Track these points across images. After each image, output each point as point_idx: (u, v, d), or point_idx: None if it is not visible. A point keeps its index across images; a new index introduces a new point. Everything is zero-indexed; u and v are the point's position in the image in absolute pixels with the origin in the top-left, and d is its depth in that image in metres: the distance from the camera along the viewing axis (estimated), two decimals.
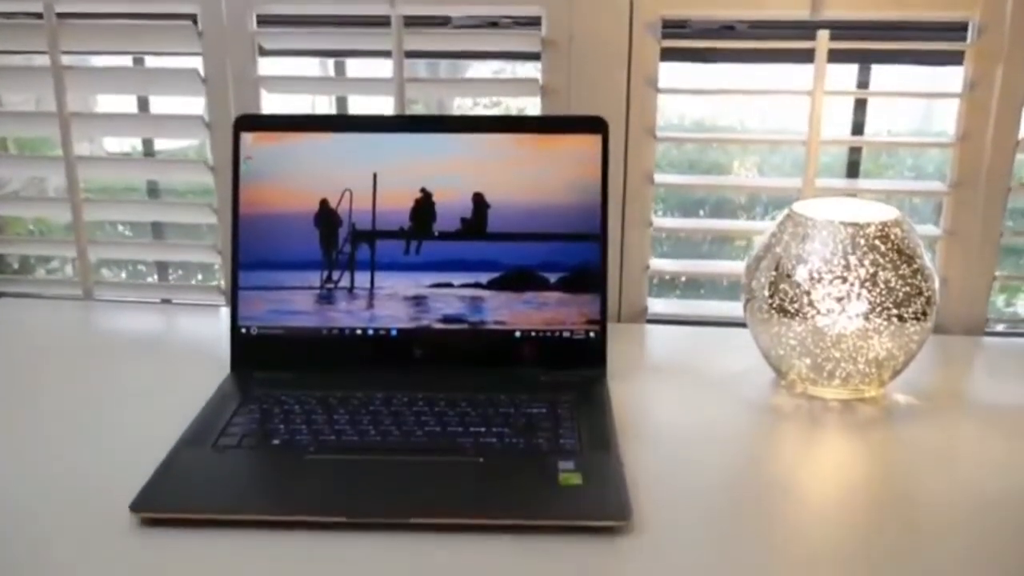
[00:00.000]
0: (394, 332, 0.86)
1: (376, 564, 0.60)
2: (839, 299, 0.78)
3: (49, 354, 0.95)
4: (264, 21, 1.02)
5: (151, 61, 1.17)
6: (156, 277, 1.39)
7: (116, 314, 1.09)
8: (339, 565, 0.60)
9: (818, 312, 0.79)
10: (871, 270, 0.78)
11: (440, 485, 0.68)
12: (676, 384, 0.88)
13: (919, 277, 0.79)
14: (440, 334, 0.86)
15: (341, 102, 1.16)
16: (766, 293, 0.82)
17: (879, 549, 0.62)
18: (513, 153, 0.86)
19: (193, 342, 1.00)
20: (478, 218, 0.86)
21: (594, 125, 0.86)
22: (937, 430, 0.79)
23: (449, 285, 0.86)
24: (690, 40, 1.00)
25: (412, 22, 0.99)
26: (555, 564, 0.60)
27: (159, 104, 1.21)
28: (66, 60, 1.04)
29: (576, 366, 0.86)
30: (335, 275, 0.87)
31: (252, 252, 0.86)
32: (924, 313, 0.80)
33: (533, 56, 1.00)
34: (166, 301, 1.15)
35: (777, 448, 0.76)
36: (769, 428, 0.80)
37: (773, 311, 0.81)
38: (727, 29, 1.01)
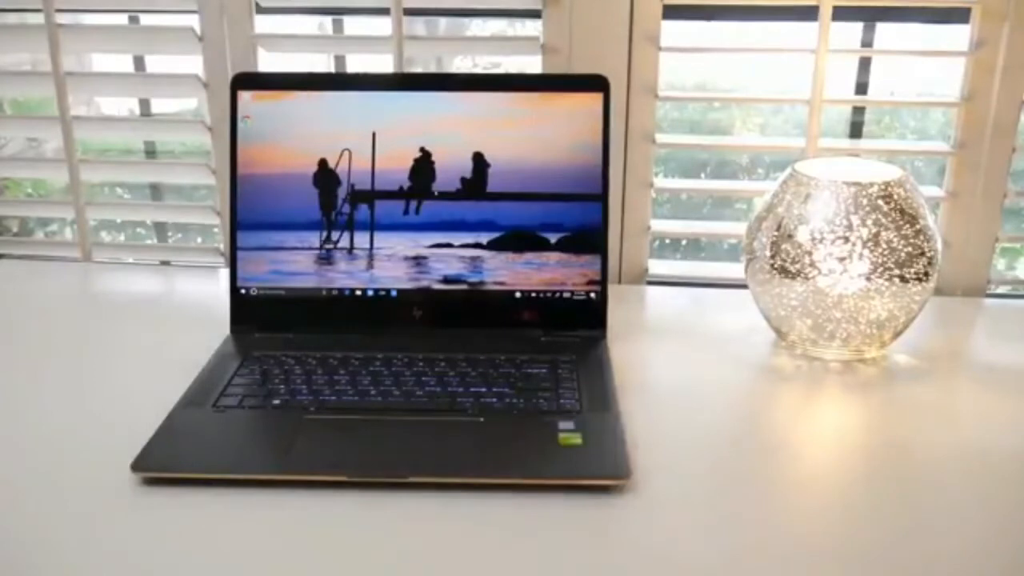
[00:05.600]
0: (394, 293, 0.86)
1: (376, 523, 0.61)
2: (841, 259, 0.78)
3: (49, 316, 0.95)
4: None
5: (146, 20, 1.15)
6: (155, 239, 1.39)
7: (115, 276, 1.09)
8: (340, 524, 0.61)
9: (820, 272, 0.79)
10: (873, 230, 0.78)
11: (440, 445, 0.68)
12: (676, 345, 0.88)
13: (921, 237, 0.79)
14: (440, 294, 0.86)
15: (339, 60, 1.15)
16: (767, 253, 0.81)
17: (878, 507, 0.63)
18: (513, 112, 0.85)
19: (193, 303, 1.00)
20: (478, 178, 0.85)
21: (595, 84, 0.85)
22: (938, 391, 0.79)
23: (449, 245, 0.86)
24: None
25: None
26: (555, 523, 0.61)
27: (155, 64, 1.20)
28: (61, 18, 1.03)
29: (576, 327, 0.86)
30: (334, 235, 0.86)
31: (251, 213, 0.86)
32: (926, 274, 0.80)
33: (534, 14, 0.99)
34: (165, 263, 1.15)
35: (777, 409, 0.77)
36: (769, 389, 0.80)
37: (774, 272, 0.81)
38: None
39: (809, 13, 0.95)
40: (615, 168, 0.97)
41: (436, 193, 0.86)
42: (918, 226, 0.79)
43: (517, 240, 0.86)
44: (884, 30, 1.06)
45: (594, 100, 0.85)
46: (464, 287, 0.86)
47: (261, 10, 1.01)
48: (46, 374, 0.81)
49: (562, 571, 0.57)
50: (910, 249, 0.78)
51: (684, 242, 1.40)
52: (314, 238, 0.86)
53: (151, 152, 1.27)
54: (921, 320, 0.84)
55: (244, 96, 0.86)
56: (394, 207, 0.86)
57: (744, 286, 0.87)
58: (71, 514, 0.61)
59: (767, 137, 1.35)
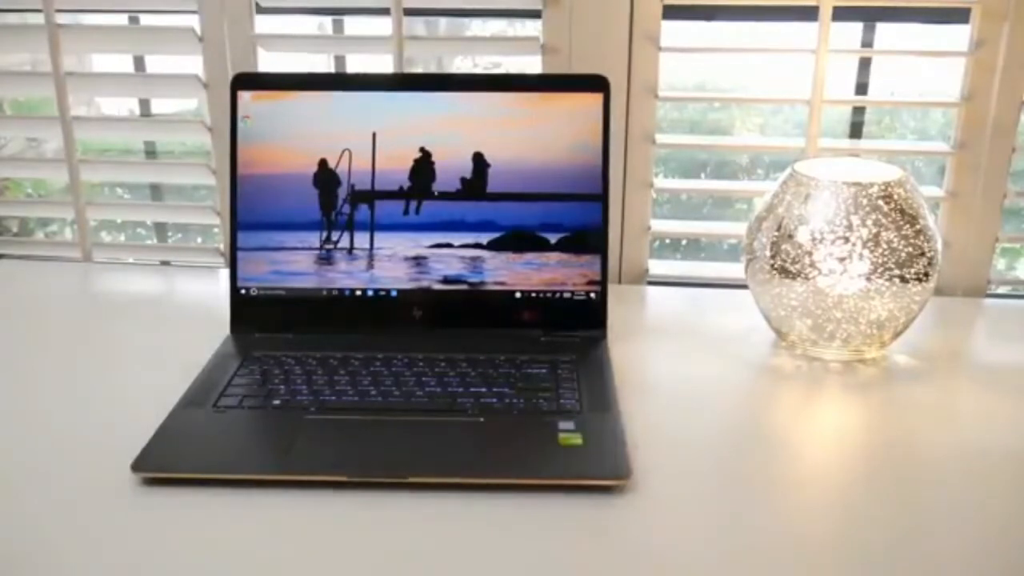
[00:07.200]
0: (394, 293, 0.86)
1: (376, 523, 0.61)
2: (841, 259, 0.78)
3: (49, 316, 0.95)
4: None
5: (146, 20, 1.15)
6: (155, 239, 1.39)
7: (116, 276, 1.09)
8: (340, 524, 0.61)
9: (820, 273, 0.79)
10: (873, 230, 0.78)
11: (440, 445, 0.68)
12: (676, 345, 0.88)
13: (921, 238, 0.79)
14: (440, 295, 0.86)
15: (339, 60, 1.15)
16: (768, 254, 0.81)
17: (878, 507, 0.63)
18: (513, 112, 0.85)
19: (193, 303, 1.00)
20: (478, 178, 0.85)
21: (595, 84, 0.85)
22: (938, 391, 0.79)
23: (449, 246, 0.86)
24: None
25: None
26: (555, 523, 0.61)
27: (155, 64, 1.20)
28: (61, 18, 1.03)
29: (576, 327, 0.86)
30: (335, 236, 0.86)
31: (251, 213, 0.86)
32: (926, 274, 0.80)
33: (534, 14, 0.99)
34: (165, 263, 1.15)
35: (777, 409, 0.77)
36: (769, 389, 0.80)
37: (774, 272, 0.81)
38: None
39: (809, 13, 0.95)
40: (615, 168, 0.97)
41: (436, 193, 0.86)
42: (918, 226, 0.79)
43: (517, 240, 0.86)
44: (884, 30, 1.06)
45: (594, 100, 0.85)
46: (464, 287, 0.86)
47: (261, 10, 1.01)
48: (46, 374, 0.81)
49: (562, 571, 0.57)
50: (910, 249, 0.78)
51: (684, 242, 1.40)
52: (314, 238, 0.86)
53: (151, 152, 1.27)
54: (921, 320, 0.84)
55: (244, 96, 0.86)
56: (394, 207, 0.86)
57: (744, 286, 0.87)
58: (71, 514, 0.61)
59: (767, 137, 1.35)
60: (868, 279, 0.78)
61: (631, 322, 0.93)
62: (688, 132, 1.43)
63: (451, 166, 0.85)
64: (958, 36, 0.97)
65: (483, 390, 0.75)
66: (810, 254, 0.79)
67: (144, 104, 1.27)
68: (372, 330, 0.85)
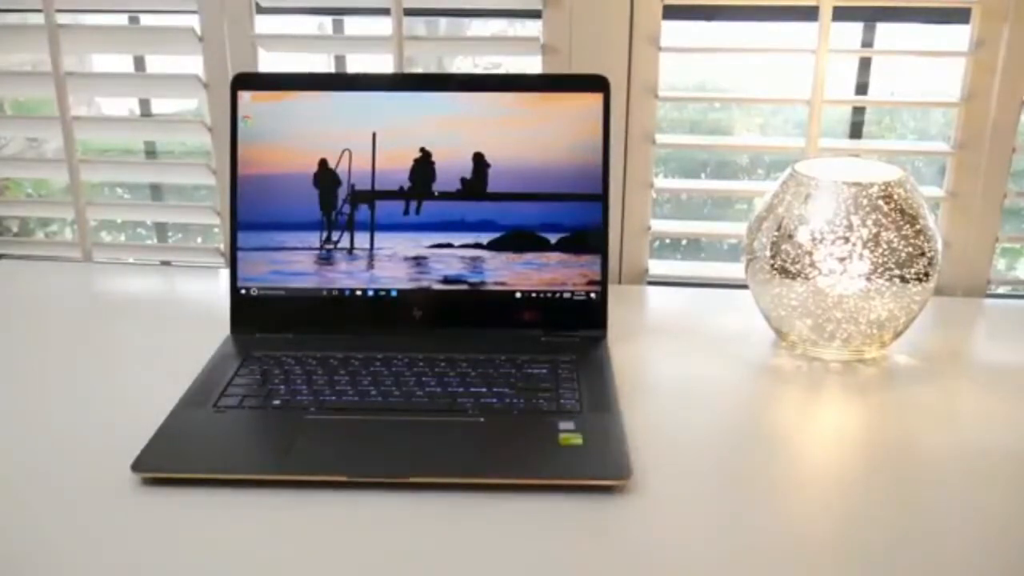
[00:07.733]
0: (394, 293, 0.86)
1: (376, 523, 0.61)
2: (841, 259, 0.78)
3: (49, 316, 0.95)
4: None
5: (146, 20, 1.15)
6: (155, 239, 1.39)
7: (116, 276, 1.09)
8: (339, 524, 0.61)
9: (820, 273, 0.79)
10: (874, 230, 0.78)
11: (440, 445, 0.68)
12: (676, 345, 0.88)
13: (922, 238, 0.79)
14: (440, 295, 0.86)
15: (339, 60, 1.15)
16: (768, 254, 0.81)
17: (878, 507, 0.63)
18: (513, 112, 0.85)
19: (193, 304, 1.00)
20: (478, 178, 0.85)
21: (595, 84, 0.85)
22: (938, 391, 0.79)
23: (449, 246, 0.86)
24: None
25: None
26: (555, 523, 0.61)
27: (155, 64, 1.20)
28: (61, 18, 1.03)
29: (577, 327, 0.86)
30: (335, 236, 0.86)
31: (251, 213, 0.86)
32: (926, 274, 0.80)
33: (534, 14, 0.99)
34: (165, 263, 1.15)
35: (778, 409, 0.77)
36: (770, 389, 0.80)
37: (775, 272, 0.81)
38: None
39: (809, 13, 0.95)
40: (615, 168, 0.97)
41: (436, 193, 0.86)
42: (918, 226, 0.79)
43: (517, 240, 0.86)
44: (884, 30, 1.06)
45: (594, 100, 0.85)
46: (464, 287, 0.86)
47: (261, 10, 1.01)
48: (46, 374, 0.81)
49: (562, 571, 0.57)
50: (910, 249, 0.78)
51: (684, 242, 1.40)
52: (314, 238, 0.86)
53: (151, 152, 1.27)
54: (921, 320, 0.84)
55: (244, 96, 0.86)
56: (394, 207, 0.86)
57: (744, 286, 0.87)
58: (71, 514, 0.61)
59: (767, 137, 1.35)
60: (868, 279, 0.78)
61: (631, 322, 0.93)
62: (688, 132, 1.43)
63: (451, 166, 0.85)
64: (958, 36, 0.97)
65: (483, 390, 0.75)
66: (810, 254, 0.79)
67: (144, 104, 1.27)
68: (372, 330, 0.85)
